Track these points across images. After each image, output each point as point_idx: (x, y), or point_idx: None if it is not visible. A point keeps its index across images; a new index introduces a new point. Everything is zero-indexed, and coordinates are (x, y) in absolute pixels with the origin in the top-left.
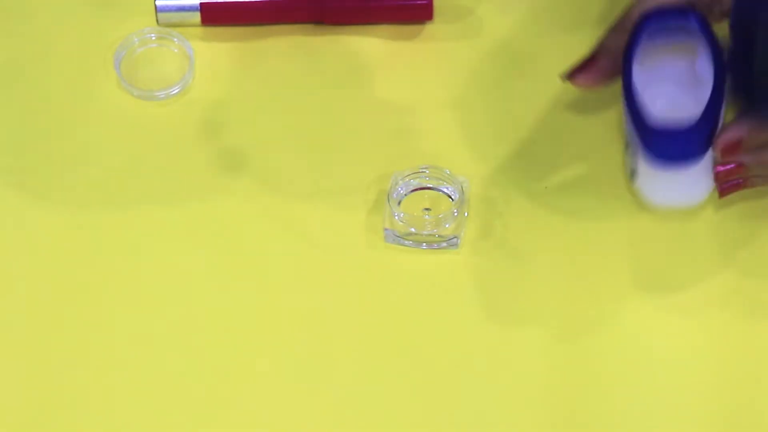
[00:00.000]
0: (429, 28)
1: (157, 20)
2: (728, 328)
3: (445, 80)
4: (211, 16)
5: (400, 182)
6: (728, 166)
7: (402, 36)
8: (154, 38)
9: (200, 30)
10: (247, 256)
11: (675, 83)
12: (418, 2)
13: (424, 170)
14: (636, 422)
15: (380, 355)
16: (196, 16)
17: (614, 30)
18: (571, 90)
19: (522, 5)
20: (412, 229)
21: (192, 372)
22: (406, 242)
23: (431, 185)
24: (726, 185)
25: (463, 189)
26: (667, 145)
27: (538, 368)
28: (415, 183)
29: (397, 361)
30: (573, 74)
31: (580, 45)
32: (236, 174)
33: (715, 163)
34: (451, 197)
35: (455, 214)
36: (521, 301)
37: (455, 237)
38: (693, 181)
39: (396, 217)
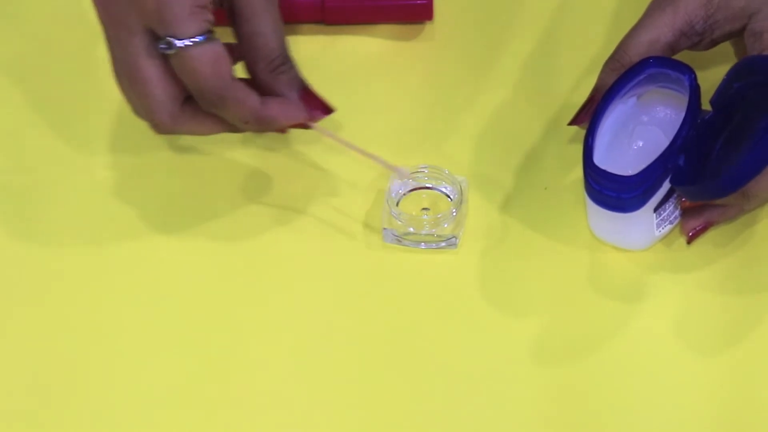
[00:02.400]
0: (429, 28)
1: None
2: (727, 328)
3: (445, 80)
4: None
5: (399, 182)
6: (698, 228)
7: (402, 36)
8: None
9: None
10: (245, 255)
11: (663, 129)
12: (418, 2)
13: (422, 170)
14: (636, 422)
15: (379, 355)
16: None
17: (611, 69)
18: (571, 90)
19: (522, 4)
20: (411, 229)
21: (191, 372)
22: (405, 242)
23: (430, 185)
24: (692, 232)
25: (462, 189)
26: (600, 187)
27: (538, 368)
28: (414, 182)
29: (396, 360)
30: (577, 118)
31: (580, 44)
32: (236, 174)
33: (686, 229)
34: (449, 197)
35: (454, 213)
36: (520, 301)
37: (454, 237)
38: (637, 229)
39: (395, 217)
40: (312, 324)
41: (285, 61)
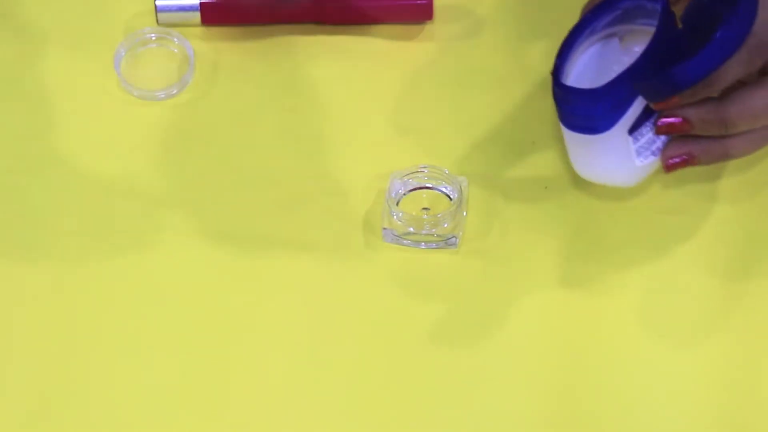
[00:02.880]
0: (429, 28)
1: (157, 20)
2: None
3: (445, 80)
4: (211, 16)
5: (399, 182)
6: (671, 119)
7: (402, 36)
8: (154, 38)
9: (200, 30)
10: (245, 254)
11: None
12: (418, 2)
13: (422, 169)
14: (638, 421)
15: (379, 355)
16: (196, 16)
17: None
18: None
19: (522, 5)
20: (411, 229)
21: (191, 371)
22: (405, 242)
23: (430, 185)
24: (672, 160)
25: (462, 188)
26: (569, 106)
27: (537, 368)
28: (414, 182)
29: (396, 360)
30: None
31: None
32: (235, 174)
33: (665, 156)
34: (449, 197)
35: (454, 213)
36: (520, 301)
37: (454, 236)
38: (615, 156)
39: (395, 217)
40: (312, 324)
41: None
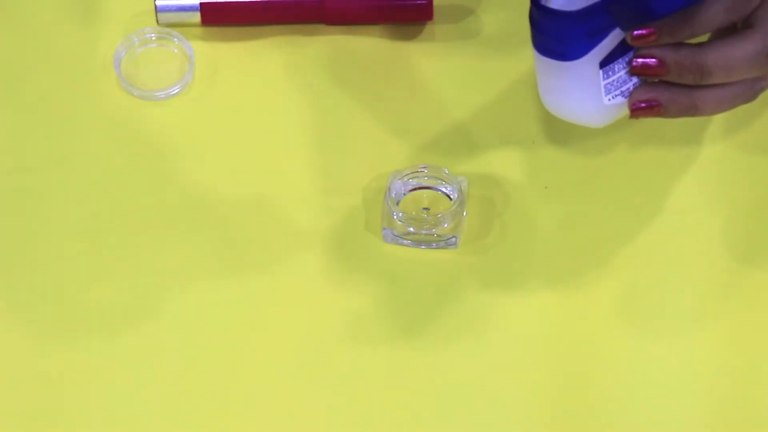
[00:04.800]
0: (429, 28)
1: (157, 20)
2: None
3: (445, 80)
4: (211, 16)
5: (399, 182)
6: (647, 59)
7: (402, 36)
8: (154, 38)
9: (200, 30)
10: (244, 254)
11: None
12: (418, 2)
13: (422, 169)
14: (639, 420)
15: (379, 355)
16: (196, 16)
17: None
18: None
19: (522, 5)
20: (411, 229)
21: (191, 371)
22: (405, 242)
23: (430, 185)
24: (638, 104)
25: (462, 188)
26: (542, 28)
27: (537, 367)
28: (414, 182)
29: (396, 360)
30: None
31: None
32: (235, 174)
33: (632, 99)
34: (449, 197)
35: (454, 213)
36: (520, 301)
37: (454, 236)
38: (583, 89)
39: (395, 217)
40: (312, 324)
41: None
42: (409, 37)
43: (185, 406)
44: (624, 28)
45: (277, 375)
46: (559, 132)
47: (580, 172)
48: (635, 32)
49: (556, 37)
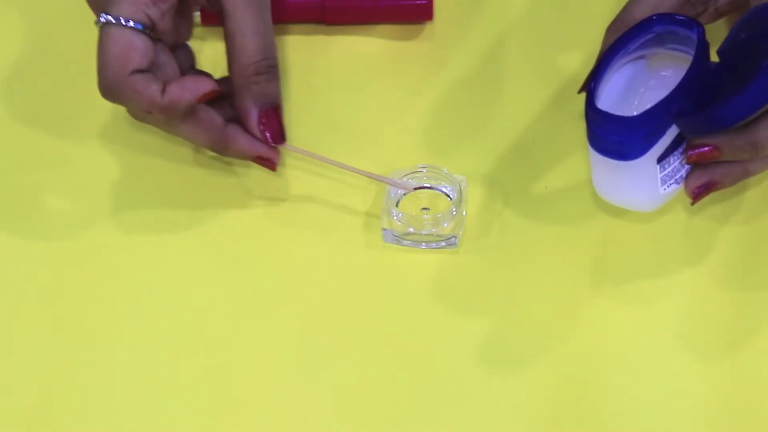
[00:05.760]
0: (429, 28)
1: None
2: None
3: (445, 80)
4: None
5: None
6: (702, 149)
7: (402, 36)
8: None
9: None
10: (245, 255)
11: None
12: (418, 2)
13: (422, 169)
14: (638, 421)
15: (379, 355)
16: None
17: (613, 31)
18: (571, 90)
19: (522, 4)
20: (411, 229)
21: (190, 371)
22: (405, 242)
23: (430, 185)
24: (697, 189)
25: (462, 188)
26: (602, 131)
27: (537, 367)
28: (414, 182)
29: (396, 360)
30: (585, 85)
31: (581, 44)
32: (235, 174)
33: (689, 188)
34: (449, 196)
35: (454, 213)
36: (520, 301)
37: (454, 236)
38: (640, 183)
39: (394, 217)
40: (312, 324)
41: (263, 71)
42: (409, 37)
43: (185, 406)
44: (689, 135)
45: (277, 375)
46: (559, 132)
47: (580, 173)
48: (697, 151)
49: (615, 140)
